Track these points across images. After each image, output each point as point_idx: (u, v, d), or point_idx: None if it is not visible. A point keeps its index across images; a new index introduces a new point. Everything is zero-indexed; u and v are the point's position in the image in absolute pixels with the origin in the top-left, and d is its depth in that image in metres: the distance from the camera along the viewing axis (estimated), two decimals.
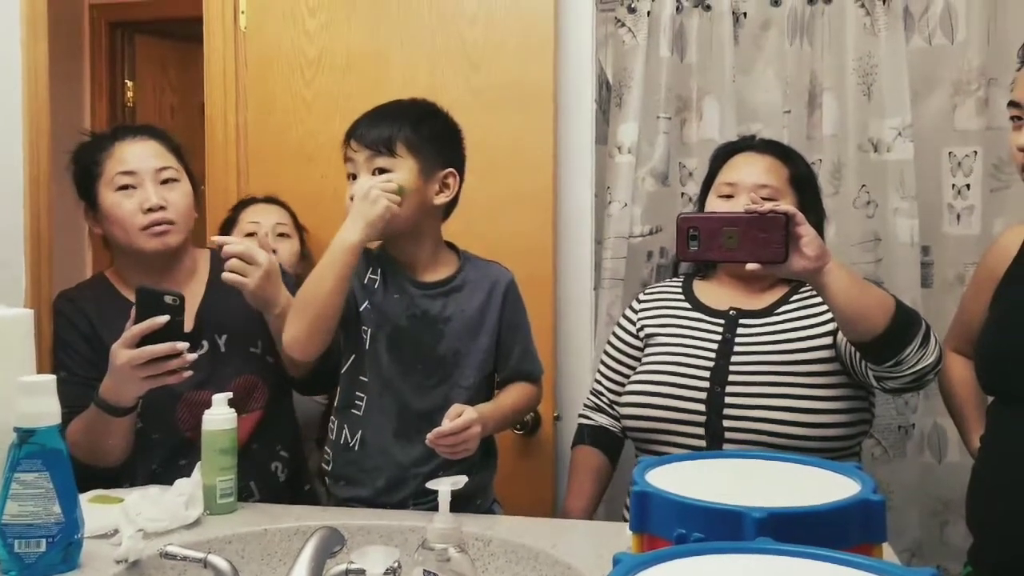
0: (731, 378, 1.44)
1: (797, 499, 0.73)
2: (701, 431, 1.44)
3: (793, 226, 1.22)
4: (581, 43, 1.86)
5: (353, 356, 1.39)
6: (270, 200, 1.94)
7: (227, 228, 1.90)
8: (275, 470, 1.49)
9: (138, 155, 1.44)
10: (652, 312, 1.58)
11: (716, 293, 1.57)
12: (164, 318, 1.26)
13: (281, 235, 1.90)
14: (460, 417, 1.25)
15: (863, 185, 1.91)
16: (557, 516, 1.59)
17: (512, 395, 1.40)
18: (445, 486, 0.83)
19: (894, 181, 1.90)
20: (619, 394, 1.55)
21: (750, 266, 1.24)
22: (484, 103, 1.80)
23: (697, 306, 1.56)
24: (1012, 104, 1.20)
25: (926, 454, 1.93)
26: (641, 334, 1.58)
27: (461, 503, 1.35)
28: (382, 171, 1.32)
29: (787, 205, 1.25)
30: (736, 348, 1.47)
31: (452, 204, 1.39)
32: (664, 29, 1.89)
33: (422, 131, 1.34)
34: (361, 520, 1.23)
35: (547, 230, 1.81)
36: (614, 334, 1.62)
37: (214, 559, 0.86)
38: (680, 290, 1.60)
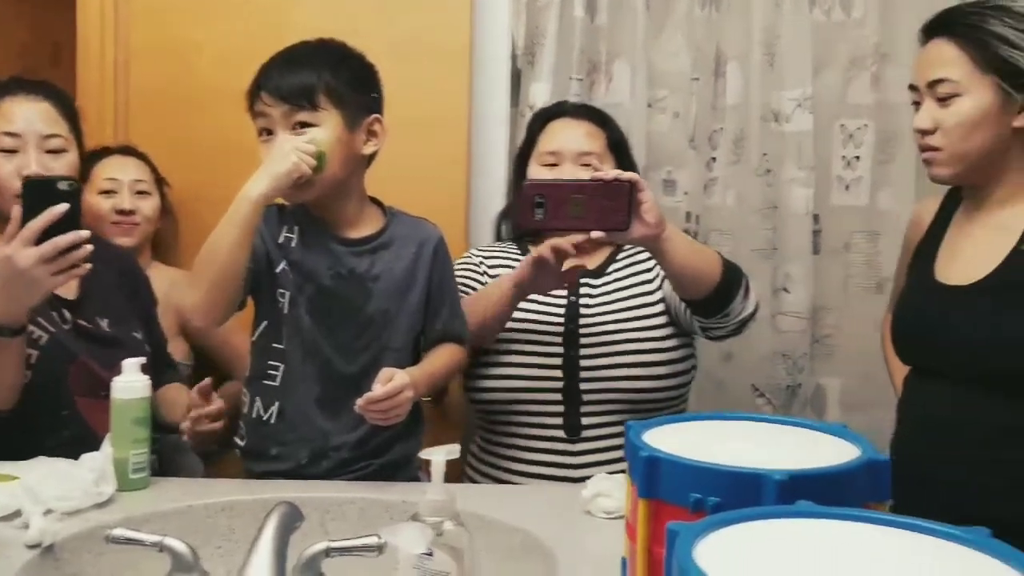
0: (583, 340, 1.46)
1: (801, 460, 0.73)
2: (559, 396, 1.45)
3: (636, 193, 1.23)
4: None
5: (265, 323, 1.31)
6: (127, 151, 1.79)
7: None
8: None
9: (26, 116, 1.29)
10: (498, 272, 1.55)
11: None
12: (63, 206, 1.13)
13: (140, 192, 1.76)
14: (392, 381, 1.20)
15: (764, 154, 1.96)
16: None
17: (441, 357, 1.36)
18: (440, 455, 0.78)
19: (792, 151, 1.96)
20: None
21: (595, 234, 1.24)
22: (397, 55, 1.72)
23: None
24: (912, 88, 1.25)
25: (808, 411, 2.02)
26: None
27: (389, 471, 1.31)
28: (303, 125, 1.24)
29: (629, 173, 1.26)
30: (582, 310, 1.48)
31: (374, 153, 1.33)
32: None
33: (342, 77, 1.26)
34: (295, 493, 1.15)
35: (460, 191, 1.76)
36: (465, 287, 1.54)
37: (172, 542, 0.78)
38: (519, 254, 1.58)
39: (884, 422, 1.88)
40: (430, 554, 0.74)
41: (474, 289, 1.53)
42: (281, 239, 1.30)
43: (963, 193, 1.29)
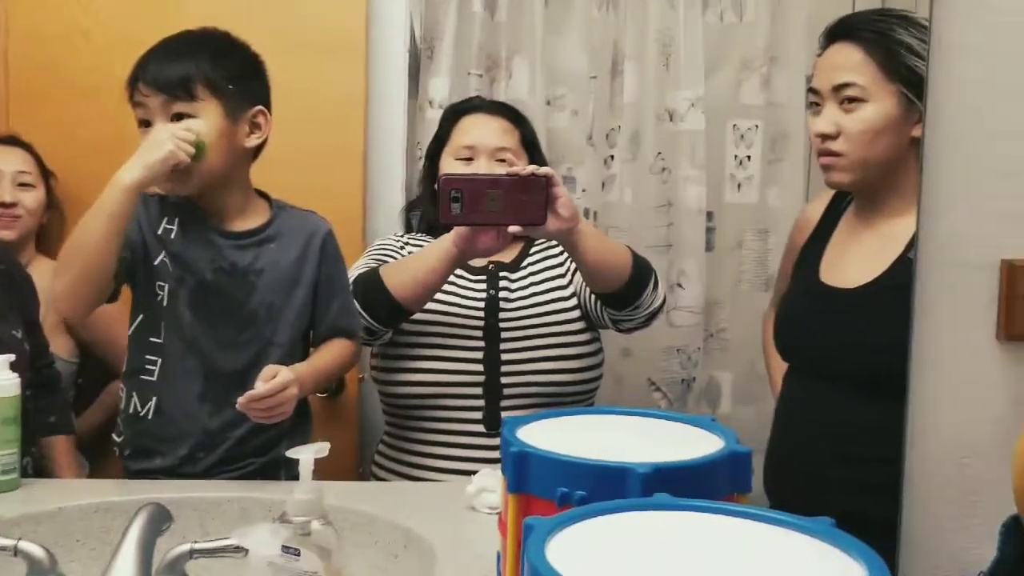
0: (504, 335, 1.47)
1: (667, 453, 0.74)
2: (479, 391, 1.45)
3: (551, 188, 1.25)
4: None
5: (142, 316, 1.27)
6: (9, 142, 1.71)
7: None
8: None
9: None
10: None
11: None
12: None
13: (23, 185, 1.69)
14: (275, 378, 1.18)
15: (659, 153, 2.00)
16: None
17: (330, 353, 1.34)
18: (307, 454, 0.77)
19: (686, 150, 2.00)
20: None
21: (512, 229, 1.26)
22: (292, 46, 1.69)
23: None
24: (811, 91, 1.28)
25: (703, 404, 2.08)
26: None
27: (273, 469, 1.29)
28: (181, 116, 1.21)
29: (545, 168, 1.27)
30: (502, 304, 1.49)
31: (261, 145, 1.30)
32: None
33: (223, 68, 1.24)
34: (172, 493, 1.13)
35: (357, 185, 1.74)
36: (386, 257, 1.54)
37: (27, 546, 0.75)
38: None
39: (769, 414, 1.95)
40: (297, 554, 0.73)
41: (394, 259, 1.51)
42: (160, 230, 1.27)
43: (855, 198, 1.31)
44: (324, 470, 1.40)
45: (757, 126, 2.04)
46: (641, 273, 1.42)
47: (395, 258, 1.53)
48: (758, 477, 1.46)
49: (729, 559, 0.57)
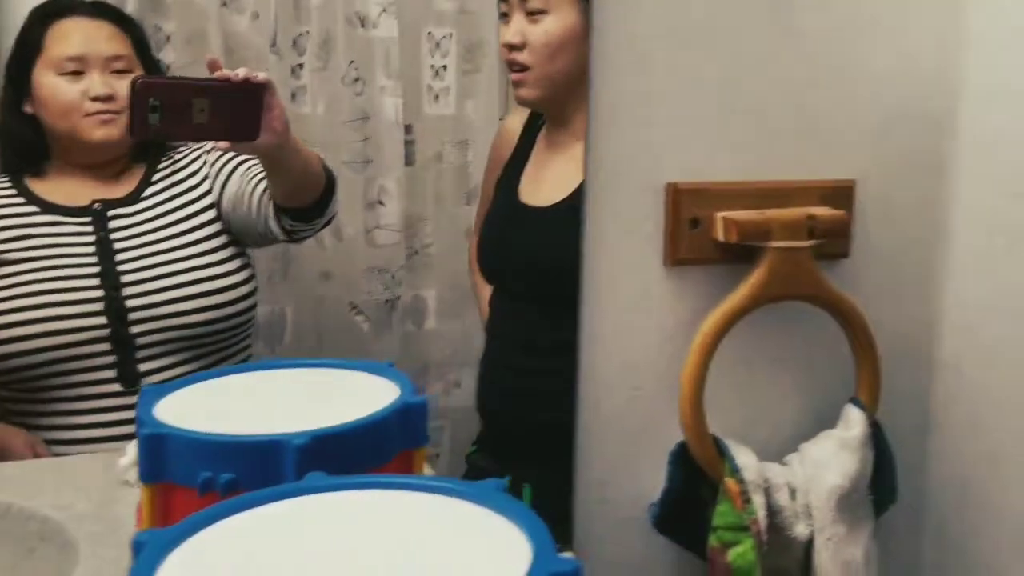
0: (124, 279, 1.34)
1: (331, 415, 0.70)
2: (107, 346, 1.32)
3: (267, 97, 1.12)
4: None
5: None
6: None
7: None
8: None
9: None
10: None
11: (65, 189, 1.40)
12: None
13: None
14: None
15: (351, 61, 1.90)
16: None
17: None
18: None
19: (380, 59, 1.91)
20: None
21: (221, 145, 1.16)
22: None
23: (48, 207, 1.38)
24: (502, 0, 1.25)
25: (408, 323, 2.07)
26: None
27: None
28: None
29: (262, 73, 1.17)
30: (117, 245, 1.36)
31: None
32: None
33: None
34: None
35: None
36: None
37: None
38: (13, 191, 1.40)
39: (477, 326, 1.99)
40: None
41: None
42: None
43: (546, 118, 1.32)
44: None
45: (452, 34, 2.00)
46: (331, 181, 1.37)
47: None
48: (471, 392, 1.48)
49: (385, 544, 0.53)
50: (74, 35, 1.34)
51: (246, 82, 1.13)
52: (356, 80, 1.94)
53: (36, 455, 1.28)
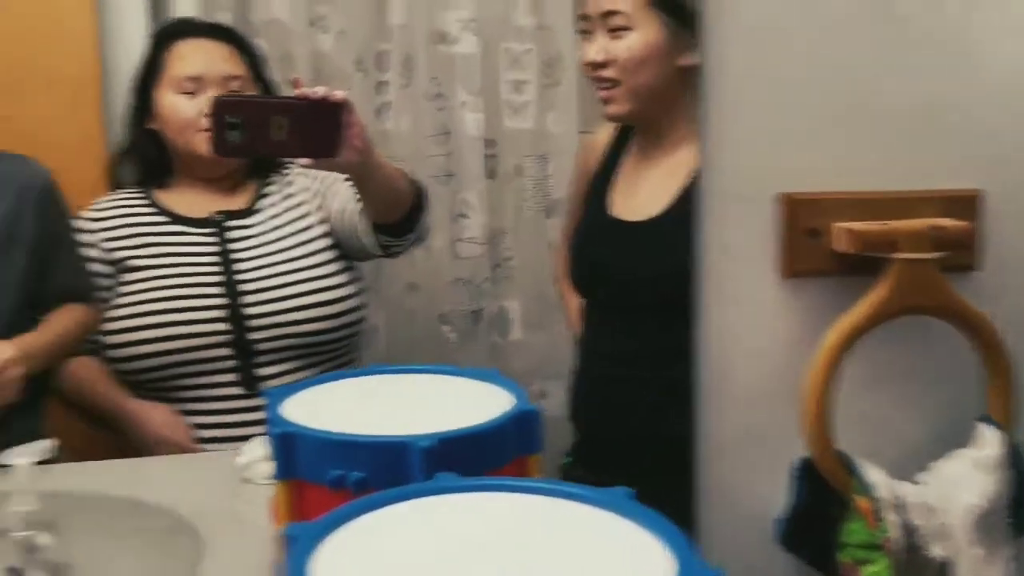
0: (244, 287, 1.35)
1: (449, 419, 0.68)
2: (229, 351, 1.34)
3: (346, 115, 1.13)
4: None
5: None
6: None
7: None
8: None
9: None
10: (121, 232, 1.40)
11: (188, 200, 1.44)
12: None
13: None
14: None
15: (434, 77, 1.91)
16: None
17: (61, 320, 1.18)
18: (26, 458, 0.63)
19: (461, 74, 1.92)
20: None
21: (302, 162, 1.14)
22: None
23: (176, 218, 1.42)
24: (583, 17, 1.25)
25: (493, 334, 2.05)
26: (110, 258, 1.39)
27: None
28: None
29: (339, 91, 1.15)
30: (237, 255, 1.38)
31: None
32: None
33: None
34: None
35: (92, 122, 1.52)
36: None
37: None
38: (146, 202, 1.44)
39: (561, 336, 1.96)
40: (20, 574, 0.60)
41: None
42: None
43: (636, 131, 1.30)
44: (81, 446, 1.25)
45: (531, 49, 1.99)
46: (420, 197, 1.36)
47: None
48: (557, 402, 1.45)
49: (520, 547, 0.51)
50: (192, 56, 1.39)
51: (324, 100, 1.10)
52: (438, 95, 1.94)
53: (172, 438, 1.30)
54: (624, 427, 1.26)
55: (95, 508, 0.94)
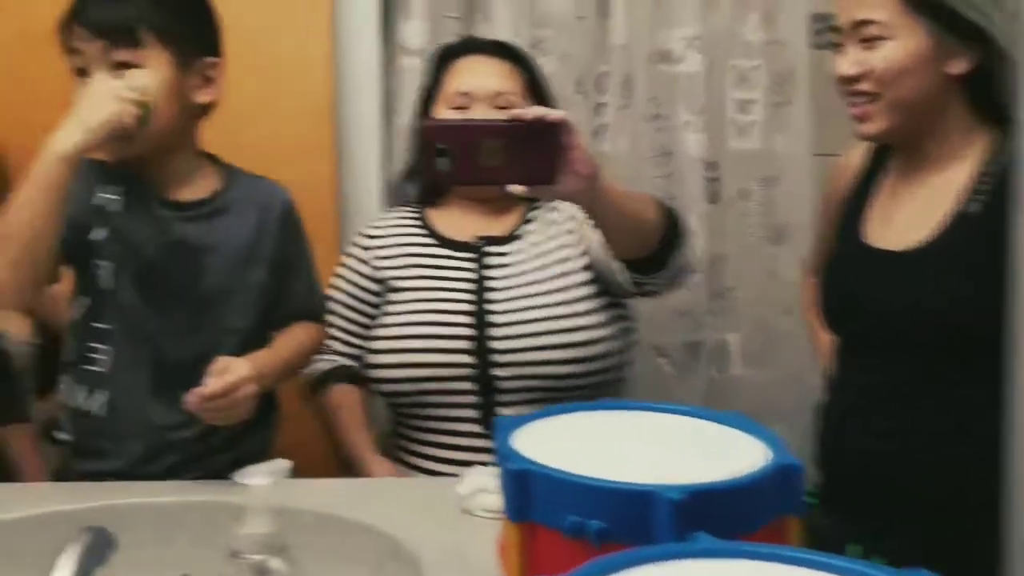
0: (494, 319, 1.28)
1: (697, 468, 0.61)
2: (471, 385, 1.27)
3: (565, 137, 1.00)
4: None
5: (83, 299, 1.13)
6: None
7: None
8: None
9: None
10: (391, 252, 1.38)
11: (456, 221, 1.39)
12: None
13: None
14: (227, 374, 1.03)
15: (653, 97, 1.85)
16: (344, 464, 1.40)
17: (294, 338, 1.20)
18: (260, 478, 0.63)
19: (683, 94, 1.84)
20: (361, 338, 1.37)
21: (516, 189, 1.01)
22: None
23: (442, 240, 1.37)
24: (833, 29, 1.14)
25: (711, 368, 1.93)
26: (379, 276, 1.37)
27: (242, 465, 1.15)
28: (124, 66, 1.05)
29: (556, 111, 1.02)
30: (491, 284, 1.31)
31: (213, 102, 1.15)
32: None
33: (169, 11, 1.08)
34: (125, 499, 0.99)
35: (326, 144, 1.58)
36: (342, 277, 1.40)
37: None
38: (418, 222, 1.40)
39: (785, 373, 1.82)
40: None
41: (358, 299, 1.38)
42: (97, 200, 1.11)
43: (896, 150, 1.17)
44: (307, 462, 1.27)
45: (760, 66, 1.88)
46: (675, 228, 1.19)
47: (357, 286, 1.37)
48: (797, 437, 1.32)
49: None
50: (466, 73, 1.38)
51: (539, 121, 0.99)
52: (657, 116, 1.87)
53: None
54: (883, 475, 1.12)
55: (324, 530, 0.94)
